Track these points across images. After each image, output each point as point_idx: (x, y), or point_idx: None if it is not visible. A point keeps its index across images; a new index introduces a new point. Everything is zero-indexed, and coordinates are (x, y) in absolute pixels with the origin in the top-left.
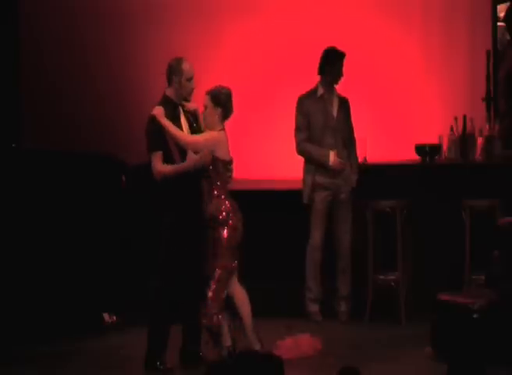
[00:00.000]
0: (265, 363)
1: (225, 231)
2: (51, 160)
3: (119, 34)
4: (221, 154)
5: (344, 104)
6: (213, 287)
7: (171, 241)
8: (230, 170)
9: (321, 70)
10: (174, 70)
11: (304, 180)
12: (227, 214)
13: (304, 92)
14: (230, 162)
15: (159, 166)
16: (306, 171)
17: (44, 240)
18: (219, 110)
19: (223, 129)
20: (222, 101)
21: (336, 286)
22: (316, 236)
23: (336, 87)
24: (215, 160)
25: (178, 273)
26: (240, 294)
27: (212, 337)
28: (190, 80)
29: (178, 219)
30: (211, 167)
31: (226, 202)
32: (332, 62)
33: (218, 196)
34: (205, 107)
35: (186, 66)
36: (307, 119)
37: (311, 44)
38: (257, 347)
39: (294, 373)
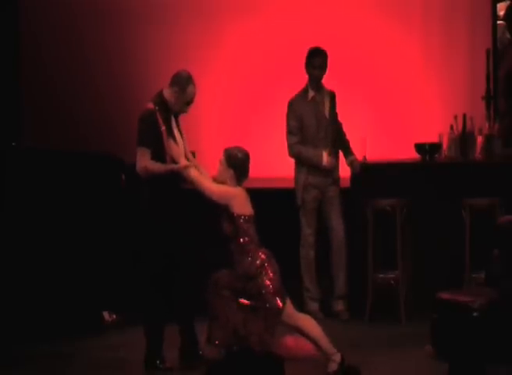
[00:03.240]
0: (266, 363)
1: (267, 281)
2: (50, 159)
3: (119, 32)
4: (239, 209)
5: (333, 99)
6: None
7: (155, 238)
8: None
9: (307, 72)
10: (179, 84)
11: (296, 181)
12: (262, 264)
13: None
14: (252, 216)
15: (144, 161)
16: (298, 171)
17: (43, 239)
18: (231, 171)
19: (239, 186)
20: (235, 163)
21: (332, 285)
22: (308, 235)
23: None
24: (234, 218)
25: (165, 269)
26: (305, 323)
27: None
28: (188, 103)
29: (163, 215)
30: (241, 229)
31: (259, 254)
32: (312, 64)
33: (249, 251)
34: (220, 163)
35: (191, 89)
36: (299, 122)
37: (311, 44)
38: (338, 358)
39: (294, 372)
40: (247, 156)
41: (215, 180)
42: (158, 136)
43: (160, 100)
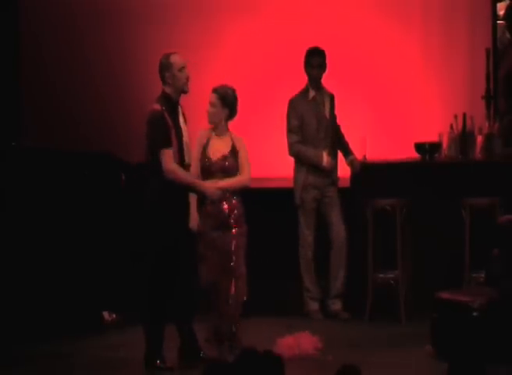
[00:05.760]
0: (265, 362)
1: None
2: (50, 159)
3: (119, 32)
4: None
5: (332, 101)
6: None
7: (160, 239)
8: None
9: (306, 72)
10: (164, 66)
11: (295, 180)
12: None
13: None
14: None
15: (172, 163)
16: (298, 171)
17: (43, 239)
18: (227, 111)
19: (228, 129)
20: (230, 102)
21: (329, 284)
22: (307, 235)
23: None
24: None
25: (165, 269)
26: None
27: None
28: (181, 70)
29: (168, 215)
30: None
31: None
32: (310, 64)
33: None
34: (212, 105)
35: (174, 57)
36: (300, 121)
37: (311, 44)
38: None
39: (294, 371)
40: (236, 93)
41: (209, 122)
42: (170, 134)
43: (164, 99)
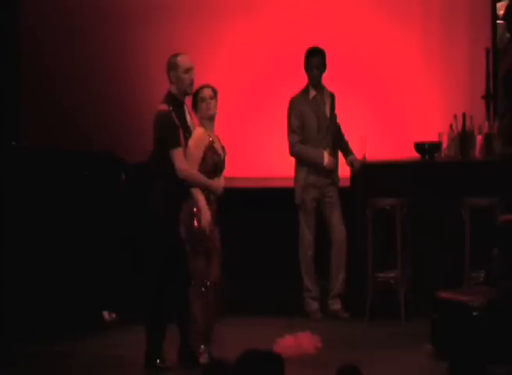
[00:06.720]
0: (265, 361)
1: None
2: (50, 158)
3: (119, 33)
4: None
5: (333, 100)
6: None
7: (163, 237)
8: None
9: (306, 72)
10: (171, 66)
11: (296, 180)
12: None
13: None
14: None
15: (184, 163)
16: (298, 171)
17: (43, 239)
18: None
19: None
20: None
21: (330, 284)
22: (308, 234)
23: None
24: None
25: (170, 269)
26: None
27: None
28: (187, 71)
29: (169, 214)
30: None
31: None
32: (309, 64)
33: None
34: (211, 97)
35: (181, 58)
36: (300, 120)
37: (311, 43)
38: None
39: (294, 371)
40: None
41: (210, 117)
42: (179, 133)
43: (171, 98)
